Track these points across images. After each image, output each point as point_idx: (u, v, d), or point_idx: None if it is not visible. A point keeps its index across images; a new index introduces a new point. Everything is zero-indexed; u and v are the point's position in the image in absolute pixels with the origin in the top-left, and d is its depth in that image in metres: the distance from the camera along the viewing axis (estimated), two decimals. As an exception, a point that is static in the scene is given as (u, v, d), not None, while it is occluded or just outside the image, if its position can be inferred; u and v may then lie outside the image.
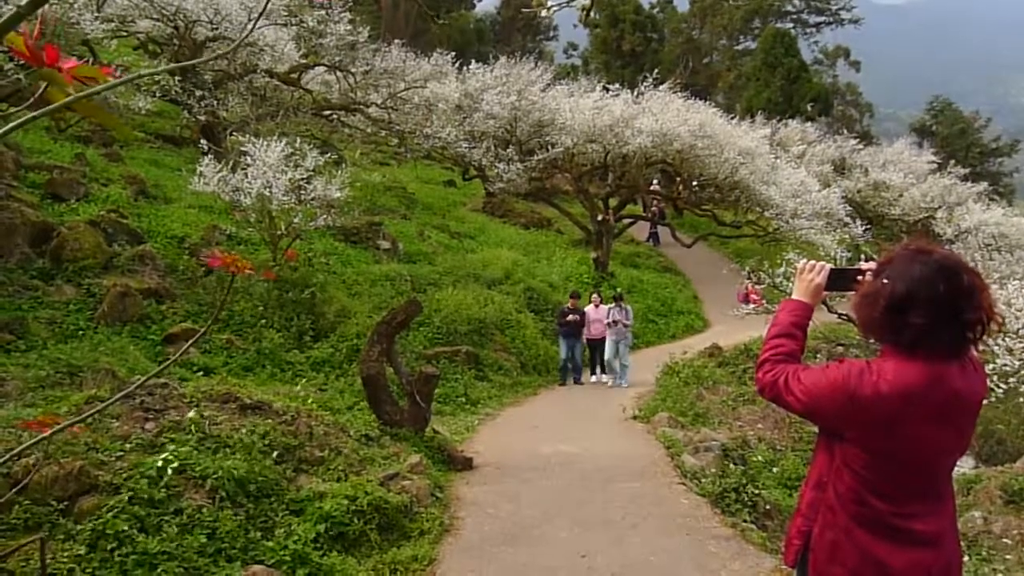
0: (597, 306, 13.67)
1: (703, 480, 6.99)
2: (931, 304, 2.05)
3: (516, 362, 13.42)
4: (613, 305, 13.49)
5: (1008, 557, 5.97)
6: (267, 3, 1.83)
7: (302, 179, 11.91)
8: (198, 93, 15.56)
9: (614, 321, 13.18)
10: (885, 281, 2.14)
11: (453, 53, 24.96)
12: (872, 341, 2.29)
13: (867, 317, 2.19)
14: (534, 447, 8.58)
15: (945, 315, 2.05)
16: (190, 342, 1.45)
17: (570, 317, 13.35)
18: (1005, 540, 6.32)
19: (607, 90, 21.22)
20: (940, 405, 2.09)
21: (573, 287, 17.68)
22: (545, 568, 5.10)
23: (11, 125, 1.25)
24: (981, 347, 2.21)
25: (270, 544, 4.85)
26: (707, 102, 26.47)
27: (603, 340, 13.51)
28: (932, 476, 2.19)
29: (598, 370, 13.86)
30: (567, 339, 13.45)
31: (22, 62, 1.18)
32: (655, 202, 26.09)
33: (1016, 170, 48.47)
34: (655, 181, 26.09)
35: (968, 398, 2.16)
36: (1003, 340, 8.87)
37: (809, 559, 2.26)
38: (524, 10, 41.55)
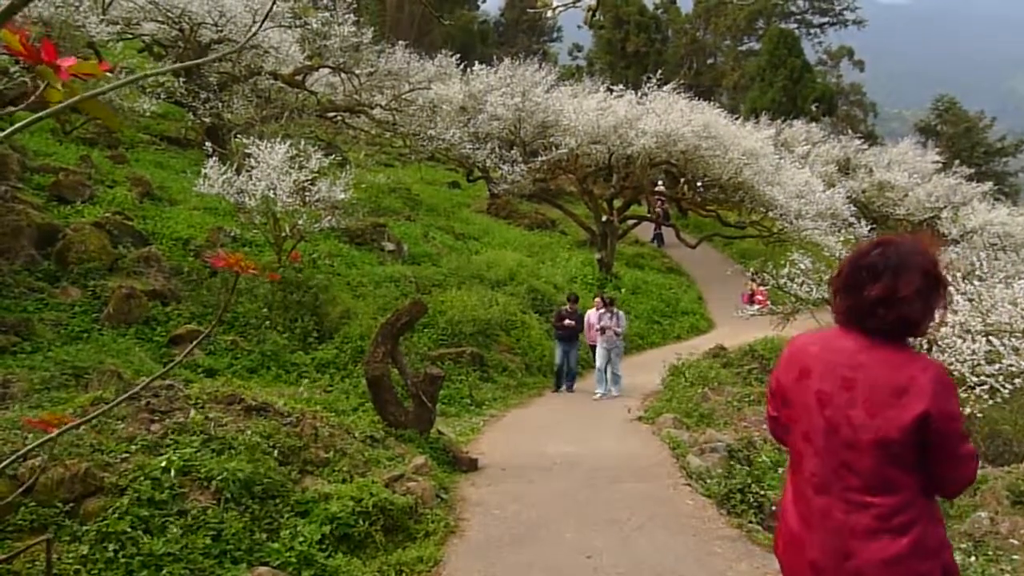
0: (599, 310, 12.89)
1: (708, 481, 6.97)
2: (844, 286, 2.30)
3: (521, 363, 13.42)
4: (603, 310, 12.67)
5: (1015, 557, 5.94)
6: (272, 5, 1.83)
7: (306, 181, 11.93)
8: (203, 95, 15.61)
9: (603, 328, 12.39)
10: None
11: (457, 55, 25.00)
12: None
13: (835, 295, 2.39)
14: (539, 448, 8.57)
15: (852, 296, 2.27)
16: (194, 343, 1.46)
17: (566, 321, 12.79)
18: (1012, 540, 6.29)
19: (611, 91, 21.21)
20: (843, 372, 2.24)
21: (578, 288, 17.67)
22: (551, 568, 5.09)
23: (15, 127, 1.25)
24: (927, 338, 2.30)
25: (275, 545, 4.85)
26: (711, 103, 26.43)
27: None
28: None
29: (595, 378, 12.87)
30: (562, 343, 12.88)
31: (27, 64, 1.18)
32: (660, 203, 26.07)
33: (1021, 170, 48.31)
34: (660, 182, 26.07)
35: (878, 381, 2.20)
36: (1009, 340, 8.83)
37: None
38: (529, 10, 41.61)
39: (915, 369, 2.20)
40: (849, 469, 2.21)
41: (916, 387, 2.17)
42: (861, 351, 2.25)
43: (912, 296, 2.20)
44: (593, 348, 13.08)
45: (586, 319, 13.05)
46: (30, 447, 1.51)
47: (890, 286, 2.20)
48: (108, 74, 1.21)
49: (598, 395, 12.35)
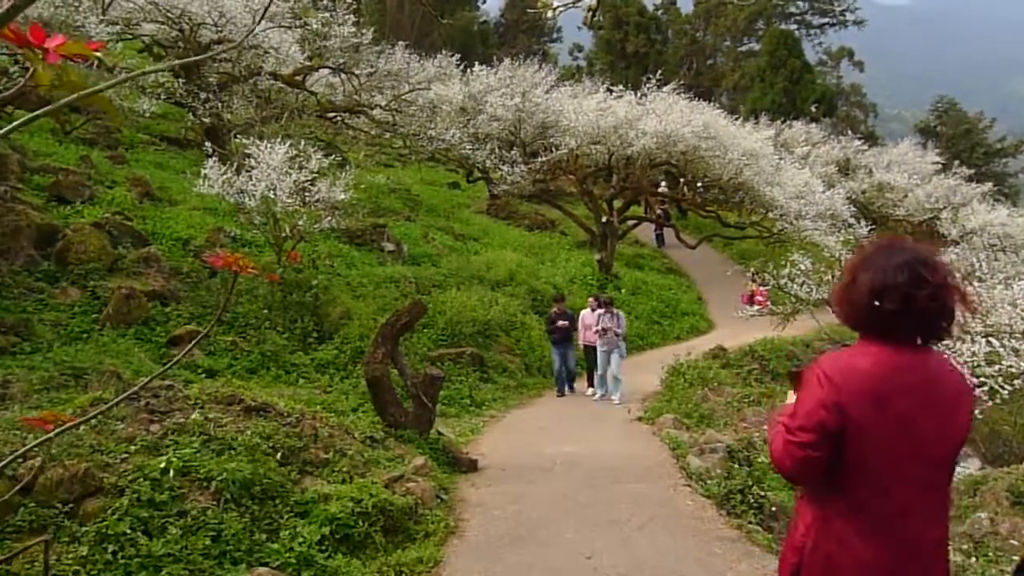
0: (594, 310, 12.40)
1: (708, 481, 6.96)
2: (897, 292, 2.18)
3: (521, 364, 13.41)
4: (603, 311, 12.08)
5: (1015, 558, 5.93)
6: (268, 4, 1.82)
7: (306, 181, 11.93)
8: (202, 95, 15.60)
9: (603, 329, 11.85)
10: (864, 273, 2.27)
11: (457, 55, 24.98)
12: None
13: (847, 307, 2.32)
14: (539, 448, 8.57)
15: (909, 303, 2.18)
16: (193, 343, 1.45)
17: (559, 323, 12.35)
18: (1012, 541, 6.28)
19: (611, 92, 21.21)
20: (916, 390, 2.19)
21: (577, 289, 17.68)
22: (551, 569, 5.08)
23: (15, 124, 1.25)
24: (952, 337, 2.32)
25: (275, 546, 4.84)
26: (711, 103, 26.43)
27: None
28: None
29: (595, 381, 12.41)
30: (558, 347, 12.43)
31: (25, 65, 1.17)
32: (660, 203, 26.09)
33: (1021, 171, 48.33)
34: (662, 183, 26.06)
35: (944, 389, 2.22)
36: (1009, 341, 8.83)
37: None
38: (529, 11, 41.59)
39: (956, 371, 2.28)
40: (935, 489, 2.24)
41: (965, 388, 2.27)
42: (921, 363, 2.21)
43: (954, 302, 2.22)
44: (588, 350, 12.60)
45: (580, 320, 12.63)
46: (29, 447, 1.51)
47: (941, 294, 2.18)
48: (97, 54, 1.19)
49: (596, 395, 12.09)
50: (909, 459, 2.19)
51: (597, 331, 11.95)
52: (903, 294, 2.17)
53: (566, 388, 12.57)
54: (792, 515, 2.42)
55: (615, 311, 12.17)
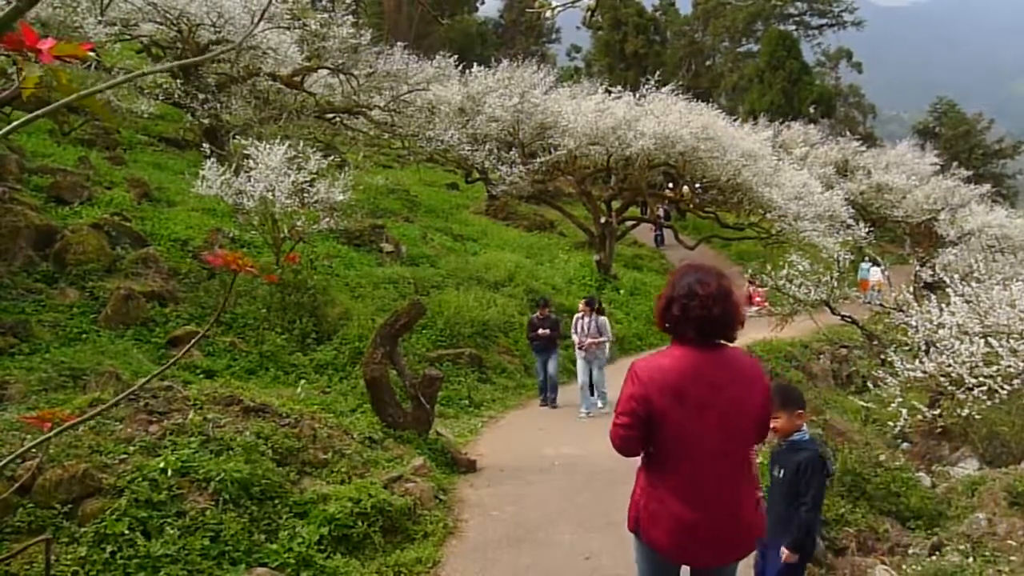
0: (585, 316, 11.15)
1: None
2: (678, 303, 2.87)
3: (519, 365, 13.39)
4: (586, 317, 10.94)
5: (1013, 559, 5.93)
6: (268, 5, 1.83)
7: (305, 182, 11.92)
8: (201, 96, 15.59)
9: (581, 343, 10.83)
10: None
11: (456, 56, 24.97)
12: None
13: (656, 316, 2.99)
14: (537, 449, 8.57)
15: (686, 311, 2.85)
16: (191, 343, 1.45)
17: (540, 331, 11.27)
18: (1010, 542, 6.28)
19: (609, 92, 21.19)
20: (709, 382, 2.85)
21: (575, 290, 17.68)
22: (549, 570, 5.09)
23: (12, 125, 1.25)
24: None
25: (274, 547, 4.85)
26: (710, 104, 26.43)
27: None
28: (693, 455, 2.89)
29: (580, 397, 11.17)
30: (540, 355, 11.43)
31: (22, 67, 1.17)
32: (660, 203, 26.10)
33: (1019, 172, 48.38)
34: (669, 185, 26.06)
35: (735, 379, 2.89)
36: (1007, 341, 8.84)
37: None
38: (528, 10, 41.57)
39: (750, 364, 3.04)
40: (730, 458, 2.94)
41: (758, 376, 3.01)
42: (714, 359, 2.89)
43: (725, 310, 2.87)
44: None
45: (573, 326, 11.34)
46: (27, 447, 1.51)
47: (708, 303, 2.83)
48: (91, 54, 1.19)
49: (583, 414, 10.81)
50: (706, 436, 2.84)
51: (578, 342, 10.91)
52: (681, 304, 2.85)
53: (549, 401, 11.44)
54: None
55: (596, 316, 11.01)
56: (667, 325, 2.93)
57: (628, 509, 3.08)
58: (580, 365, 11.07)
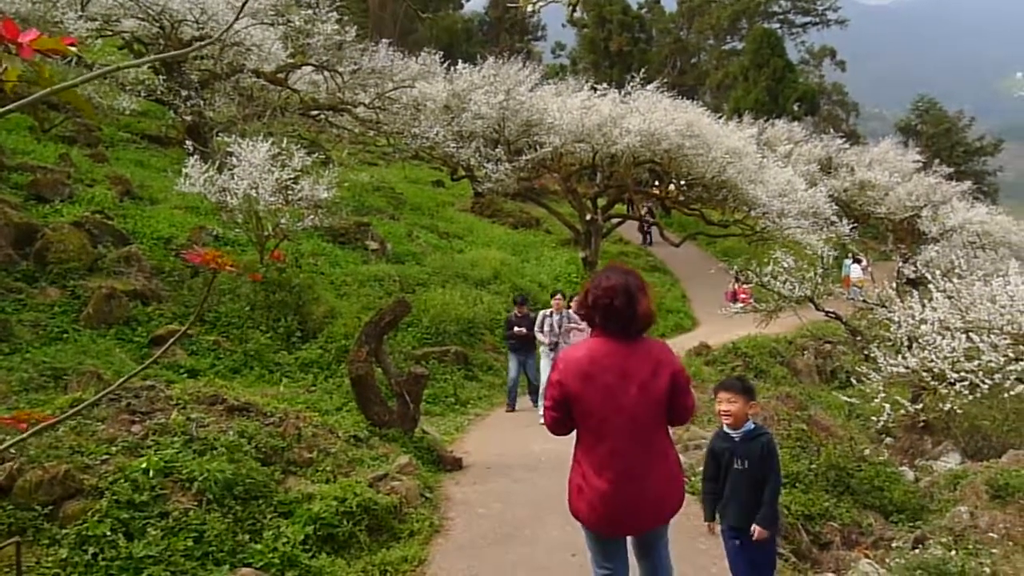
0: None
1: (693, 478, 6.99)
2: (588, 298, 3.33)
3: (506, 362, 13.38)
4: (549, 313, 10.18)
5: (994, 551, 5.99)
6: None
7: (289, 179, 11.84)
8: (184, 93, 15.44)
9: (553, 343, 10.00)
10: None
11: (441, 53, 24.88)
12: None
13: (576, 305, 3.63)
14: (524, 446, 8.56)
15: (593, 306, 3.30)
16: (171, 341, 1.42)
17: (515, 329, 10.69)
18: (991, 534, 6.35)
19: (595, 90, 21.22)
20: (617, 369, 3.23)
21: (562, 287, 17.66)
22: (536, 567, 5.09)
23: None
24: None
25: (258, 547, 4.81)
26: (695, 102, 26.52)
27: None
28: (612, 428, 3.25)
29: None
30: (516, 355, 10.82)
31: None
32: (645, 201, 26.13)
33: (1000, 169, 48.93)
34: (656, 182, 26.14)
35: (641, 366, 3.25)
36: (988, 336, 8.93)
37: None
38: (511, 6, 41.51)
39: (659, 351, 3.37)
40: (638, 437, 3.31)
41: (667, 362, 3.35)
42: (622, 348, 3.27)
43: (625, 306, 3.25)
44: None
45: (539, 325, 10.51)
46: (4, 447, 1.49)
47: (606, 298, 3.25)
48: (72, 49, 1.16)
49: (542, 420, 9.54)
50: (615, 417, 3.22)
51: (543, 341, 10.16)
52: (591, 295, 3.31)
53: (530, 402, 10.98)
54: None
55: (564, 311, 10.09)
56: (582, 312, 3.43)
57: (567, 483, 3.47)
58: (544, 364, 10.25)
